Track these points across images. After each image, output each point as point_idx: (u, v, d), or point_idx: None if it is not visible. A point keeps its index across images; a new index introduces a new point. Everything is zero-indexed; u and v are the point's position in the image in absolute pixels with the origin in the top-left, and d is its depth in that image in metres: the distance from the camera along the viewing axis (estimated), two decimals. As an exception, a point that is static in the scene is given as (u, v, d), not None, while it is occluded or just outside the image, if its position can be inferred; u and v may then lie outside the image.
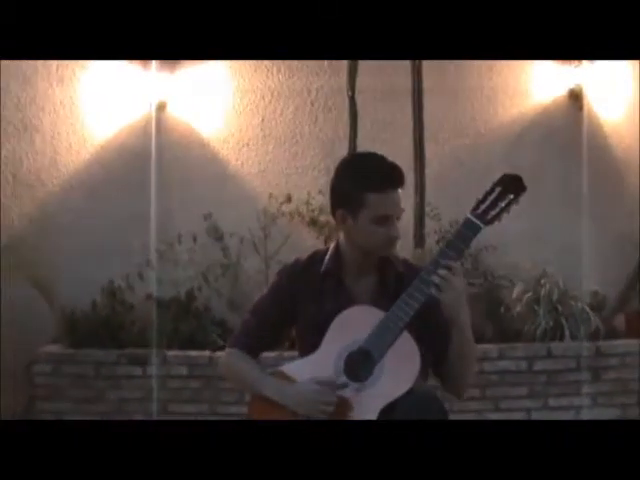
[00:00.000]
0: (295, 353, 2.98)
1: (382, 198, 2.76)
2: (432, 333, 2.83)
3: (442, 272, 2.68)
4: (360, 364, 2.71)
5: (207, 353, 5.53)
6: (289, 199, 6.04)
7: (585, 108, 6.25)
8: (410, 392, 2.68)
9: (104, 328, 5.74)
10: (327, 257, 2.91)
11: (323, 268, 2.89)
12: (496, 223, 2.78)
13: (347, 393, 2.70)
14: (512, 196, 2.75)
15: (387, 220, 2.78)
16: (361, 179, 2.78)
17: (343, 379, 2.72)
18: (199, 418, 5.49)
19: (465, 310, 2.77)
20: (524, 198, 2.80)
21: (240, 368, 2.92)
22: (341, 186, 2.85)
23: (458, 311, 2.74)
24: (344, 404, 2.70)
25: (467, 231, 2.74)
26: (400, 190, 2.80)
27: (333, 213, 2.89)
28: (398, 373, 2.69)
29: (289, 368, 2.85)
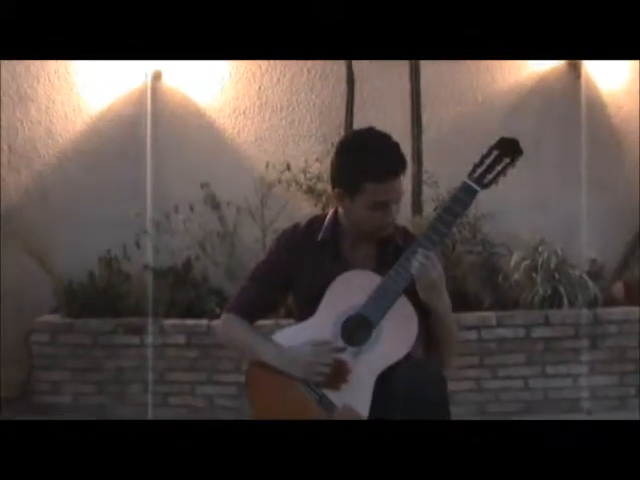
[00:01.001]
0: (291, 321, 2.96)
1: (381, 187, 2.72)
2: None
3: (420, 259, 2.65)
4: (358, 328, 2.70)
5: (204, 322, 5.53)
6: (288, 167, 6.01)
7: (583, 77, 6.22)
8: (408, 357, 2.67)
9: (101, 298, 5.74)
10: (325, 225, 2.90)
11: (320, 236, 2.88)
12: (493, 189, 2.77)
13: (345, 357, 2.69)
14: (509, 159, 2.74)
15: (384, 206, 2.76)
16: (361, 168, 2.73)
17: (340, 343, 2.71)
18: (197, 387, 5.52)
19: (445, 296, 2.75)
20: (523, 166, 2.80)
21: (237, 334, 2.90)
22: (339, 171, 2.82)
23: (435, 298, 2.72)
24: (341, 368, 2.69)
25: (464, 195, 2.73)
26: (401, 176, 2.76)
27: (332, 189, 2.86)
28: (396, 337, 2.69)
29: (282, 335, 2.84)
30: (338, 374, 2.69)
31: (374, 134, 2.83)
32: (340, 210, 2.88)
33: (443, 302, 2.74)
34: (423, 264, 2.65)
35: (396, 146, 2.78)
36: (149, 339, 5.53)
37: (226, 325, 2.95)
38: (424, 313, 2.77)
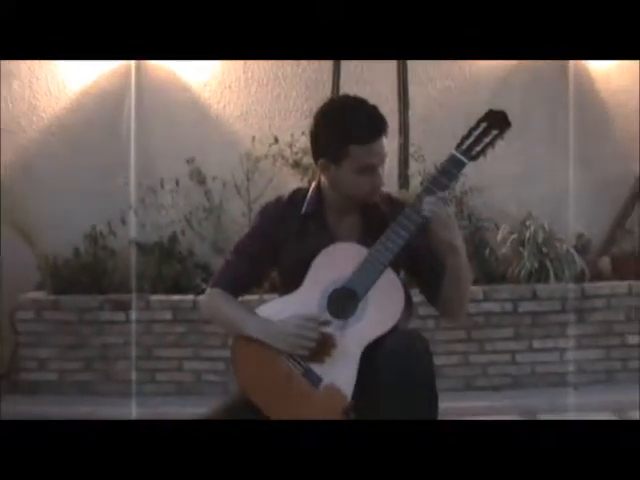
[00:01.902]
0: (275, 296, 2.94)
1: (365, 149, 2.71)
2: (424, 267, 2.84)
3: (431, 199, 2.66)
4: (343, 301, 2.69)
5: (191, 297, 5.51)
6: (276, 140, 5.99)
7: (571, 49, 6.18)
8: (394, 331, 2.66)
9: (87, 274, 5.72)
10: (308, 197, 2.88)
11: (304, 209, 2.86)
12: (480, 163, 2.76)
13: (331, 330, 2.68)
14: (497, 132, 2.73)
15: (370, 169, 2.74)
16: (343, 131, 2.72)
17: (326, 316, 2.69)
18: (184, 362, 5.51)
19: (458, 233, 2.74)
20: (510, 141, 2.78)
21: (222, 308, 2.88)
22: (322, 137, 2.79)
23: (453, 234, 2.71)
24: (327, 341, 2.67)
25: (451, 167, 2.71)
26: (383, 139, 2.75)
27: (315, 162, 2.85)
28: (382, 311, 2.67)
29: (267, 308, 2.82)
30: (324, 347, 2.68)
31: (350, 99, 2.83)
32: (323, 181, 2.86)
33: (459, 238, 2.74)
34: (435, 203, 2.65)
35: (375, 108, 2.77)
36: (133, 315, 5.50)
37: (211, 300, 2.93)
38: (436, 265, 2.78)
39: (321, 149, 2.80)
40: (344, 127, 2.72)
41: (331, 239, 2.81)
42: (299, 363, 2.69)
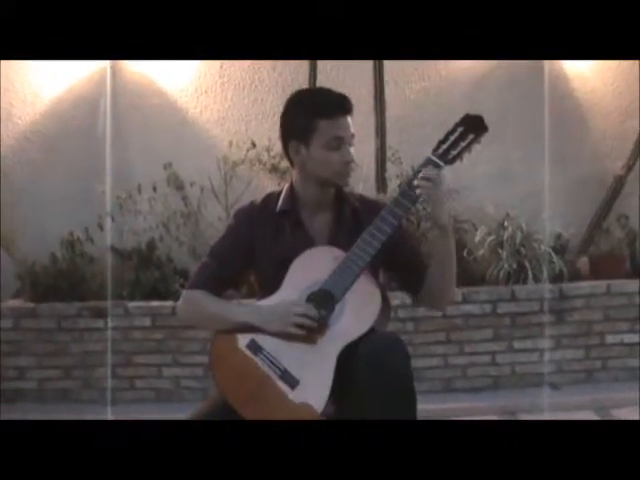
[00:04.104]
0: (253, 301, 2.93)
1: (332, 123, 2.77)
2: (407, 261, 2.88)
3: (420, 182, 2.68)
4: (321, 303, 2.69)
5: (170, 303, 5.48)
6: (253, 145, 6.00)
7: (547, 50, 6.20)
8: (372, 332, 2.67)
9: (64, 281, 5.69)
10: (282, 196, 2.90)
11: (278, 207, 2.88)
12: (457, 165, 2.76)
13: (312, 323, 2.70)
14: (473, 136, 2.74)
15: (339, 144, 2.78)
16: (310, 107, 2.81)
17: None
18: (163, 369, 5.49)
19: (447, 213, 2.78)
20: (487, 142, 2.79)
21: (205, 305, 2.86)
22: (291, 117, 2.86)
23: (443, 214, 2.75)
24: (308, 338, 2.68)
25: (428, 171, 2.71)
26: (349, 117, 2.81)
27: (286, 150, 2.90)
28: (359, 312, 2.68)
29: None
30: (301, 348, 2.68)
31: (317, 87, 2.93)
32: (296, 180, 2.89)
33: (449, 218, 2.78)
34: (427, 179, 2.68)
35: (341, 93, 2.85)
36: (109, 322, 5.48)
37: (188, 302, 2.91)
38: (418, 258, 2.87)
39: (290, 131, 2.85)
40: (310, 102, 2.83)
41: (306, 237, 2.83)
42: (276, 365, 2.69)
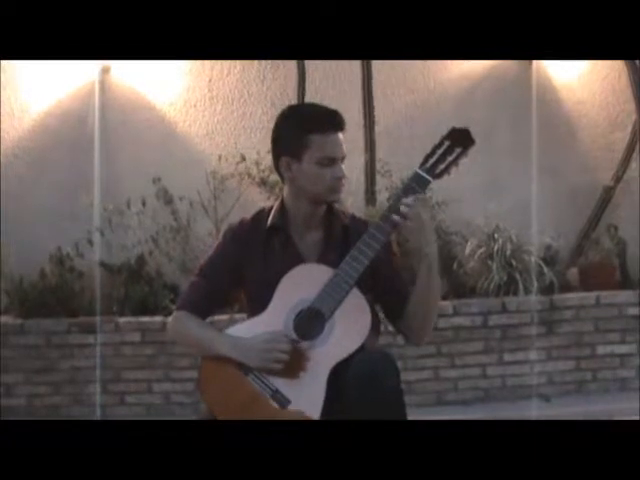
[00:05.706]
0: (245, 316, 2.93)
1: (324, 139, 2.76)
2: (389, 286, 2.84)
3: (408, 201, 2.67)
4: (310, 322, 2.68)
5: (160, 318, 5.47)
6: (242, 159, 5.99)
7: (534, 62, 6.22)
8: (362, 350, 2.65)
9: (54, 297, 5.66)
10: (272, 213, 2.89)
11: (269, 223, 2.87)
12: (446, 178, 2.76)
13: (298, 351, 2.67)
14: (460, 149, 2.73)
15: (331, 161, 2.77)
16: (302, 122, 2.80)
17: (294, 337, 2.68)
18: (153, 384, 5.47)
19: (433, 242, 2.76)
20: (476, 154, 2.79)
21: (190, 330, 2.86)
22: (283, 132, 2.85)
23: (425, 240, 2.73)
24: (298, 356, 2.66)
25: (415, 185, 2.71)
26: (341, 134, 2.80)
27: (277, 165, 2.87)
28: (349, 330, 2.67)
29: (234, 331, 2.80)
30: (291, 367, 2.67)
31: (309, 102, 2.91)
32: (287, 196, 2.87)
33: (433, 245, 2.76)
34: (412, 205, 2.66)
35: (333, 108, 2.85)
36: (98, 338, 5.45)
37: (178, 323, 2.91)
38: (401, 284, 2.83)
39: (282, 146, 2.84)
40: (303, 118, 2.82)
41: (295, 254, 2.82)
42: (267, 385, 2.68)
